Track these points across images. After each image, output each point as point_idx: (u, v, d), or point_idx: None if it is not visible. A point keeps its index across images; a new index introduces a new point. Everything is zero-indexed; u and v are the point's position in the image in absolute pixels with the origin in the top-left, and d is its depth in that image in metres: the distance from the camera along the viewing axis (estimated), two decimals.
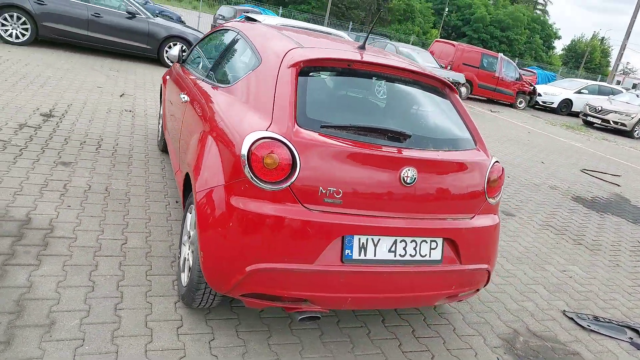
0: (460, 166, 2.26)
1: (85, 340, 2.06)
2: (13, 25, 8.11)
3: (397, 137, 2.15)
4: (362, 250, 2.06)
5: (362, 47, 2.52)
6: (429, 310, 2.93)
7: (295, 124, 2.01)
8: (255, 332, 2.37)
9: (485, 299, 3.20)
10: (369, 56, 2.34)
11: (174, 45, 9.28)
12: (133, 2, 9.02)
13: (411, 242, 2.16)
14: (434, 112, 2.49)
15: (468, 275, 2.36)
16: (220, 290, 2.04)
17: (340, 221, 2.00)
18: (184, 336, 2.23)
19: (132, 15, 8.86)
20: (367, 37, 2.58)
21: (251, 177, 1.91)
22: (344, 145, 2.00)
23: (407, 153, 2.10)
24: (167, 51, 9.22)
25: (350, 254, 2.04)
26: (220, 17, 17.85)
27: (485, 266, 2.41)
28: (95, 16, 8.57)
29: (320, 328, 2.52)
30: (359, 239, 2.05)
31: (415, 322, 2.77)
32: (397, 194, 2.09)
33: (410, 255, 2.16)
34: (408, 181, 2.08)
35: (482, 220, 2.38)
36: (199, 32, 10.18)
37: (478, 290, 2.56)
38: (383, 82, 2.42)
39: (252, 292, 2.02)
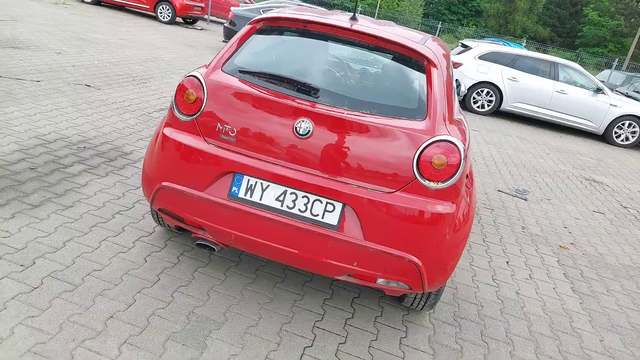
0: (376, 130, 2.12)
1: (76, 221, 2.86)
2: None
3: (307, 90, 2.22)
4: (249, 191, 2.21)
5: (353, 18, 2.62)
6: (394, 311, 2.68)
7: (221, 68, 2.35)
8: (195, 259, 2.74)
9: (494, 335, 2.66)
10: (330, 20, 2.44)
11: None
12: None
13: (303, 197, 2.17)
14: (387, 79, 2.37)
15: (378, 258, 2.16)
16: (148, 201, 2.52)
17: (229, 157, 2.22)
18: (139, 242, 2.79)
19: None
20: (356, 7, 2.64)
21: (174, 108, 2.36)
22: (247, 88, 2.23)
23: (306, 105, 2.15)
24: None
25: (237, 191, 2.23)
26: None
27: (410, 257, 2.15)
28: None
29: (256, 279, 2.69)
30: (248, 179, 2.22)
31: (362, 313, 2.60)
32: (290, 144, 2.16)
33: (300, 210, 2.17)
34: (301, 132, 2.13)
35: (409, 201, 2.14)
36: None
37: (414, 291, 2.28)
38: (340, 45, 2.47)
39: (164, 208, 2.43)
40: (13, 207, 2.85)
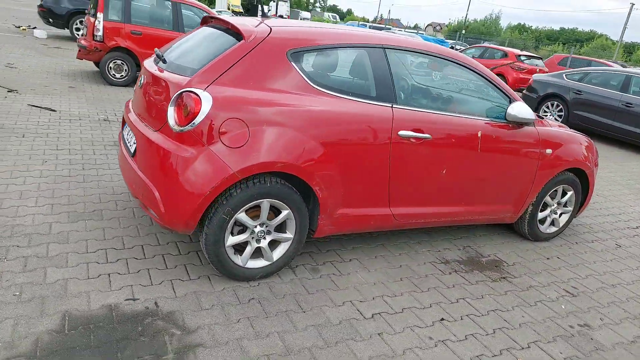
0: (159, 82, 2.81)
1: None
2: (551, 112, 9.77)
3: (161, 58, 3.10)
4: (125, 129, 3.29)
5: (263, 15, 3.27)
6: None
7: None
8: None
9: (246, 311, 2.55)
10: (220, 15, 3.21)
11: None
12: None
13: (131, 133, 3.07)
14: (208, 49, 2.90)
15: (143, 185, 2.74)
16: None
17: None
18: None
19: None
20: (263, 12, 3.24)
21: None
22: (146, 61, 3.33)
23: (149, 67, 3.06)
24: None
25: (123, 129, 3.35)
26: None
27: (152, 186, 2.66)
28: (626, 106, 8.58)
29: None
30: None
31: (189, 256, 3.06)
32: (138, 94, 3.13)
33: (129, 143, 3.07)
34: (139, 84, 3.07)
35: (158, 138, 2.67)
36: None
37: (161, 223, 2.69)
38: (217, 30, 3.14)
39: None
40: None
